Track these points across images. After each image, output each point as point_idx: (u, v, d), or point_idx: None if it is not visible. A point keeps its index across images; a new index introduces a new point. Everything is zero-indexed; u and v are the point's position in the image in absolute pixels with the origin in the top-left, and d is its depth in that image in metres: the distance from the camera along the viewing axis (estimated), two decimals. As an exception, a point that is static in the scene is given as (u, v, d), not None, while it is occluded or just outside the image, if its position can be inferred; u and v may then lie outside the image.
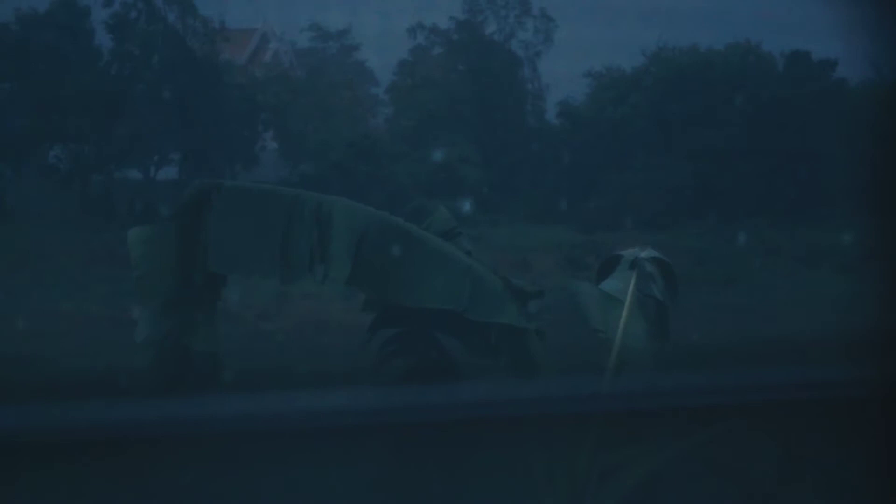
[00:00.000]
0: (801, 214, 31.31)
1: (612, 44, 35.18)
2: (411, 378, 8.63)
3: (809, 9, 28.76)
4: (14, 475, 5.92)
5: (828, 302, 22.89)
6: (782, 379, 7.74)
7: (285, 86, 34.32)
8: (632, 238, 29.14)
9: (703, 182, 32.51)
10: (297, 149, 33.36)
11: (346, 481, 7.36)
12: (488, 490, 7.97)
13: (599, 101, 34.23)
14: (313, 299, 23.32)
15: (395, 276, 8.56)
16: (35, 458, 5.86)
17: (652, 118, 33.51)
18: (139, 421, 5.84)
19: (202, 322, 8.52)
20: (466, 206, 30.12)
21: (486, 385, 8.13)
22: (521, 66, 35.46)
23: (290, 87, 34.35)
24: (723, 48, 34.18)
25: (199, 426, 6.10)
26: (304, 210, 8.50)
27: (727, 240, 30.31)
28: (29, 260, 25.13)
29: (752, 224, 31.26)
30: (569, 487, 8.15)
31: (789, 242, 30.37)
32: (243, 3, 35.15)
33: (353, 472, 7.15)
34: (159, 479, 6.28)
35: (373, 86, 38.13)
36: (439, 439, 6.80)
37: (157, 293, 8.64)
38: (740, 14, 33.94)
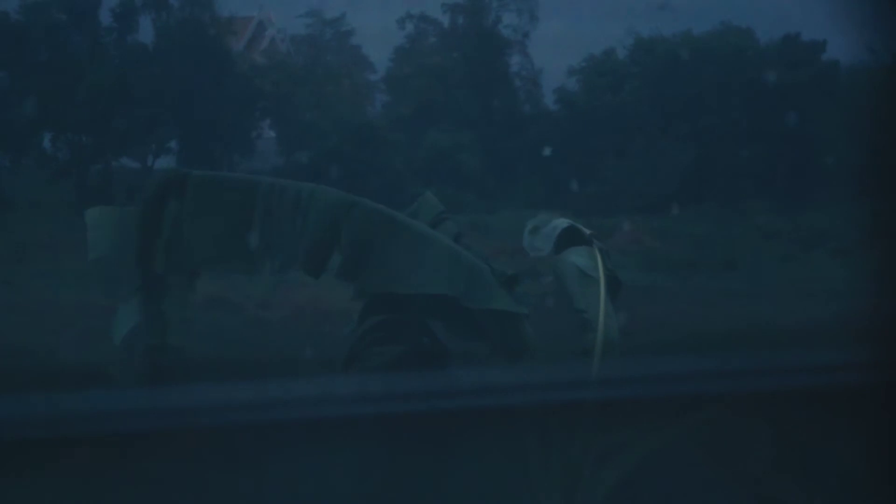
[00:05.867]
0: (800, 198, 31.29)
1: (604, 31, 35.15)
2: (400, 365, 8.55)
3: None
4: (13, 466, 5.91)
5: (827, 286, 22.87)
6: (781, 364, 7.73)
7: (283, 74, 34.26)
8: (630, 223, 29.15)
9: (701, 167, 32.49)
10: (295, 137, 33.31)
11: (336, 469, 7.35)
12: (481, 477, 7.96)
13: (596, 87, 34.18)
14: (313, 287, 23.27)
15: (381, 263, 8.43)
16: (33, 448, 5.85)
17: (649, 104, 33.47)
18: (133, 411, 5.84)
19: (170, 317, 8.35)
20: (464, 193, 30.10)
21: (478, 372, 8.11)
22: (516, 52, 35.43)
23: (288, 75, 34.30)
24: (716, 33, 34.12)
25: (194, 416, 6.09)
26: (283, 198, 8.33)
27: (726, 224, 30.30)
28: (26, 249, 25.10)
29: (750, 208, 31.25)
30: (562, 474, 8.13)
31: (788, 226, 30.35)
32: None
33: (342, 460, 7.14)
34: (154, 469, 6.27)
35: (370, 72, 38.09)
36: (431, 427, 6.79)
37: (115, 280, 8.48)
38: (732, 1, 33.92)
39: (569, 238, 8.86)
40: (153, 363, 8.29)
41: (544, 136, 33.68)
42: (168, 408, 6.37)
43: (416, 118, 33.78)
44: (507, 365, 8.52)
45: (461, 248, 8.65)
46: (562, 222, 8.94)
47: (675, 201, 31.32)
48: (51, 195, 29.41)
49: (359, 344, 8.77)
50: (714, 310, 23.72)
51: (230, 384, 6.95)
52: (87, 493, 6.67)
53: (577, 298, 8.42)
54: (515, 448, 8.02)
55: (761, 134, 32.54)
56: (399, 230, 8.45)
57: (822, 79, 32.33)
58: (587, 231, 8.85)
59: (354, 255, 8.33)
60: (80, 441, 5.95)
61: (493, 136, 33.75)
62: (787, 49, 33.50)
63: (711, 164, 32.55)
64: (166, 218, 8.28)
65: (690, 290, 25.40)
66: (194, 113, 31.57)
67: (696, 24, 34.33)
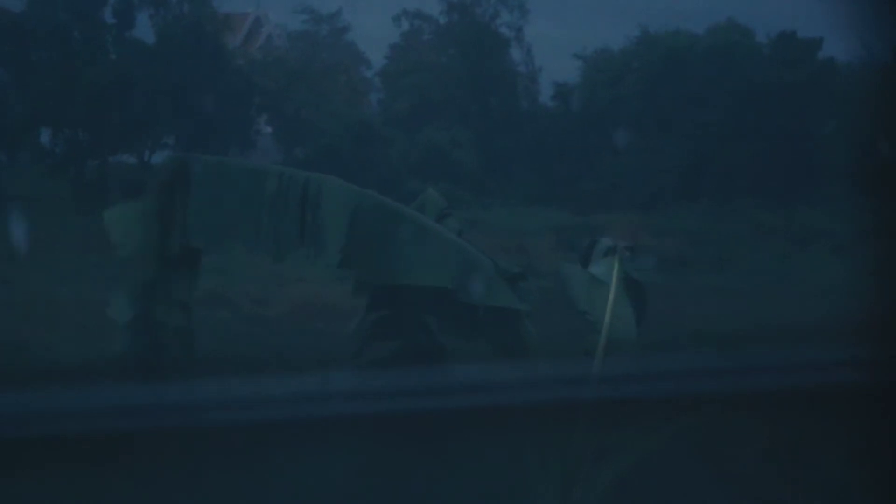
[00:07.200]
0: (795, 196, 31.32)
1: (600, 29, 35.18)
2: (399, 361, 8.60)
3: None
4: (12, 463, 5.92)
5: (822, 284, 22.89)
6: (777, 361, 7.75)
7: (279, 70, 34.26)
8: (626, 220, 29.17)
9: (696, 164, 32.51)
10: (291, 132, 33.31)
11: (334, 466, 7.36)
12: (479, 475, 7.97)
13: (592, 84, 34.19)
14: (310, 283, 23.30)
15: (386, 255, 8.52)
16: (31, 445, 5.87)
17: (645, 100, 33.48)
18: (132, 407, 5.85)
19: (178, 299, 8.47)
20: (460, 189, 30.11)
21: (476, 369, 8.13)
22: (512, 48, 35.43)
23: (284, 71, 34.29)
24: (713, 30, 34.15)
25: (193, 412, 6.10)
26: (291, 187, 8.44)
27: (721, 221, 30.32)
28: (23, 245, 25.05)
29: (745, 205, 31.27)
30: (559, 472, 8.15)
31: (783, 224, 30.38)
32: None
33: (339, 457, 7.15)
34: (152, 466, 6.28)
35: (365, 68, 38.09)
36: (430, 424, 6.80)
37: (140, 272, 8.58)
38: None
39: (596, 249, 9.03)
40: (161, 345, 8.38)
41: (540, 133, 33.69)
42: (167, 404, 6.39)
43: (411, 115, 33.79)
44: (507, 362, 8.55)
45: (465, 243, 8.71)
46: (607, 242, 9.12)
47: (671, 198, 31.35)
48: (47, 190, 29.39)
49: (362, 339, 8.85)
50: (709, 307, 23.74)
51: (228, 380, 6.97)
52: (86, 490, 6.68)
53: (581, 300, 8.49)
54: (513, 446, 8.04)
55: (757, 131, 32.56)
56: (404, 223, 8.54)
57: (818, 76, 32.36)
58: (618, 243, 8.96)
59: (358, 243, 8.43)
60: (78, 438, 5.97)
61: (489, 132, 33.75)
62: (783, 46, 33.52)
63: (707, 161, 32.57)
64: (178, 202, 8.43)
65: (686, 286, 25.42)
66: (191, 109, 31.57)
67: (692, 22, 34.39)
